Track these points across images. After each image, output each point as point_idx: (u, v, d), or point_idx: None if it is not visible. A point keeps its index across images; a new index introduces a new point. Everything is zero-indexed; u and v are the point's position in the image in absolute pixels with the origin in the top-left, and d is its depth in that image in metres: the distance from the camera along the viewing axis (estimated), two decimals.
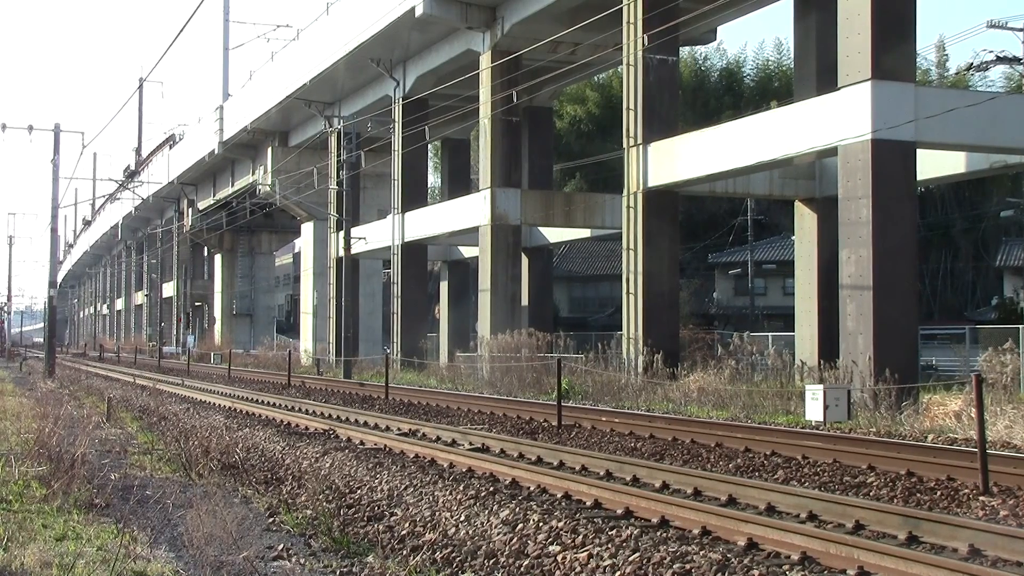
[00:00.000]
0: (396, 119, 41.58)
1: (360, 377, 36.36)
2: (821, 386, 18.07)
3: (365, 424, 18.40)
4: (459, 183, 47.78)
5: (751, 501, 9.69)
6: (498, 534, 8.95)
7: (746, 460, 13.44)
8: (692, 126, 29.99)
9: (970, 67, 39.80)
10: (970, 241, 52.44)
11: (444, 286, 48.54)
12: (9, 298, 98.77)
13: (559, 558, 8.07)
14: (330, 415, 20.41)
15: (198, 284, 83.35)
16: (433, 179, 60.75)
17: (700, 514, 8.85)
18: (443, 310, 47.76)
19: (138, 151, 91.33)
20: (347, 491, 11.53)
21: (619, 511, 9.45)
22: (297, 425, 18.55)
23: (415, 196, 42.77)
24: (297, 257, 75.79)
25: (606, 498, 9.91)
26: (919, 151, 21.94)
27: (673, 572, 7.38)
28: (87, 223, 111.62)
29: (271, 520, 10.18)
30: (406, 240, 41.53)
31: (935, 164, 25.59)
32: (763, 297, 52.35)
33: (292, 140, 54.07)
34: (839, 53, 22.28)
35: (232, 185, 64.68)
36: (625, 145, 28.45)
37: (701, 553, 7.68)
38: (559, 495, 10.44)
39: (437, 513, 9.93)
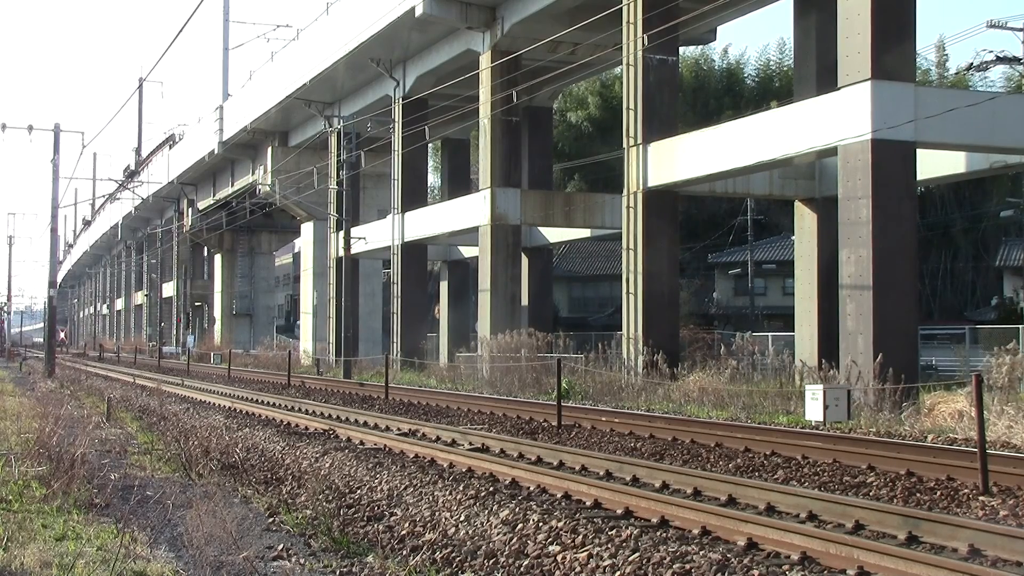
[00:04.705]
0: (396, 119, 41.58)
1: (360, 377, 36.35)
2: (821, 386, 18.05)
3: (365, 424, 18.39)
4: (459, 183, 47.76)
5: (751, 501, 9.69)
6: (498, 534, 8.95)
7: (746, 460, 13.44)
8: (692, 126, 29.97)
9: (970, 67, 39.75)
10: (970, 241, 52.38)
11: (444, 286, 48.52)
12: (9, 298, 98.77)
13: (559, 558, 8.07)
14: (330, 415, 20.40)
15: (198, 284, 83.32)
16: (433, 179, 60.73)
17: (700, 514, 8.84)
18: (443, 310, 47.74)
19: (138, 151, 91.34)
20: (347, 491, 11.53)
21: (619, 511, 9.45)
22: (297, 425, 18.55)
23: (415, 196, 42.77)
24: (297, 257, 75.75)
25: (606, 498, 9.91)
26: (919, 151, 21.94)
27: (673, 572, 7.38)
28: (87, 223, 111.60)
29: (271, 520, 10.18)
30: (406, 240, 41.53)
31: (935, 164, 25.58)
32: (763, 297, 52.32)
33: (292, 140, 54.07)
34: (839, 53, 22.28)
35: (232, 185, 64.69)
36: (625, 145, 28.44)
37: (701, 553, 7.68)
38: (559, 495, 10.44)
39: (437, 513, 9.93)
